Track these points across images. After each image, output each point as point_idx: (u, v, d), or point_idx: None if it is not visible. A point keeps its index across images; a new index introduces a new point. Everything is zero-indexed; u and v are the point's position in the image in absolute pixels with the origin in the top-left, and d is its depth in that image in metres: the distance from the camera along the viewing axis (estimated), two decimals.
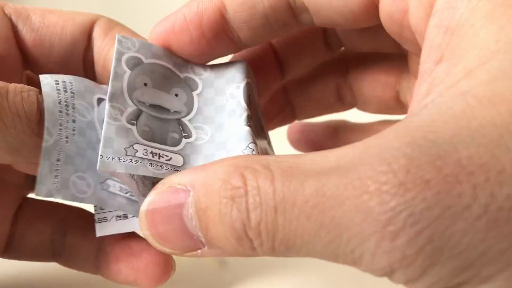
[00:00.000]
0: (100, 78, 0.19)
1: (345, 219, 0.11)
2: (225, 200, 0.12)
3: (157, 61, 0.18)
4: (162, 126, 0.17)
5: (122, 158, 0.15)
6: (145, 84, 0.17)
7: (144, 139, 0.16)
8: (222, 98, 0.18)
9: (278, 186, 0.12)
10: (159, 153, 0.16)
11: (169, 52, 0.18)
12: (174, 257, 0.26)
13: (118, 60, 0.17)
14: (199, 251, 0.13)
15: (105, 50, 0.18)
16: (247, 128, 0.17)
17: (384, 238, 0.11)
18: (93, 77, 0.19)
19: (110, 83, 0.16)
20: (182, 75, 0.18)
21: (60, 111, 0.16)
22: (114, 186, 0.16)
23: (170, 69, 0.18)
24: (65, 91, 0.16)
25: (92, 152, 0.16)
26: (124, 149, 0.15)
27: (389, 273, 0.11)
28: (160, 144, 0.16)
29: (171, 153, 0.16)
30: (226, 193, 0.12)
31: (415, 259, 0.11)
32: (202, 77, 0.18)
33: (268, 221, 0.12)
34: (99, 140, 0.16)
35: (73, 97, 0.17)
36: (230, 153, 0.17)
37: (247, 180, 0.12)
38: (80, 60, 0.19)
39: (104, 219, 0.17)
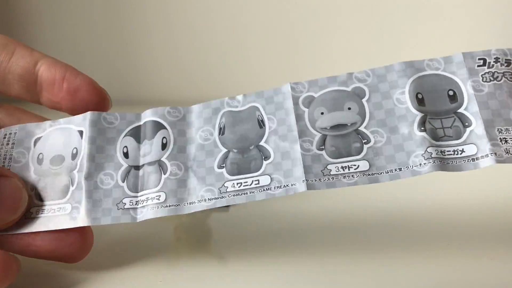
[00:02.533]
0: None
1: None
2: None
3: (324, 90, 0.21)
4: (345, 141, 0.20)
5: (321, 179, 0.20)
6: (322, 113, 0.21)
7: (333, 158, 0.20)
8: (389, 102, 0.20)
9: None
10: (348, 165, 0.20)
11: (332, 77, 0.21)
12: (172, 257, 0.26)
13: (296, 103, 0.21)
14: None
15: (4, 63, 0.22)
16: (421, 133, 0.19)
17: None
18: None
19: (296, 124, 0.21)
20: (349, 88, 0.21)
21: None
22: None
23: (337, 90, 0.21)
24: (7, 143, 0.22)
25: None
26: (321, 171, 0.20)
27: None
28: (347, 157, 0.20)
29: (358, 161, 0.20)
30: None
31: None
32: (367, 83, 0.21)
33: None
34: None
35: (12, 148, 0.22)
36: (409, 154, 0.19)
37: None
38: None
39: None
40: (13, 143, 0.22)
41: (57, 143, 0.22)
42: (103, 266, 0.23)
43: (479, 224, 0.29)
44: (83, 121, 0.22)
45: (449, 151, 0.19)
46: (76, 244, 0.21)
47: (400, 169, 0.19)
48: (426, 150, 0.19)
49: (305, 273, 0.22)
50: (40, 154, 0.22)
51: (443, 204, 0.34)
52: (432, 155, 0.19)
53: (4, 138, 0.22)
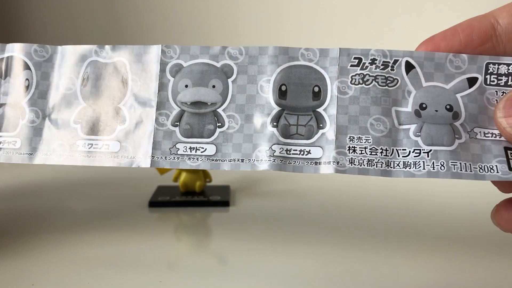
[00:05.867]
0: None
1: None
2: None
3: (194, 60, 0.20)
4: (200, 120, 0.20)
5: (167, 157, 0.19)
6: (186, 86, 0.20)
7: (184, 137, 0.20)
8: (253, 88, 0.20)
9: None
10: (196, 147, 0.19)
11: (205, 47, 0.20)
12: (172, 257, 0.26)
13: (163, 70, 0.20)
14: None
15: None
16: (272, 129, 0.19)
17: None
18: None
19: (157, 94, 0.20)
20: (219, 64, 0.20)
21: None
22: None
23: (207, 63, 0.20)
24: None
25: None
26: (169, 149, 0.19)
27: None
28: (198, 138, 0.20)
29: (206, 144, 0.19)
30: None
31: None
32: (237, 62, 0.20)
33: None
34: None
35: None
36: (255, 147, 0.19)
37: None
38: None
39: None
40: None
41: None
42: (103, 266, 0.23)
43: (480, 226, 0.29)
44: None
45: (296, 150, 0.19)
46: None
47: (242, 160, 0.19)
48: (270, 147, 0.19)
49: (305, 272, 0.22)
50: None
51: (445, 205, 0.34)
52: (275, 153, 0.18)
53: None
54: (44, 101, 0.21)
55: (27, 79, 0.21)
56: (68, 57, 0.21)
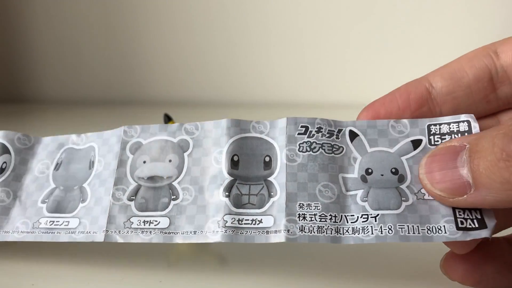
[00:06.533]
0: None
1: None
2: (501, 134, 0.15)
3: (154, 138, 0.21)
4: (156, 194, 0.20)
5: (121, 231, 0.19)
6: (144, 162, 0.21)
7: (139, 211, 0.20)
8: (207, 160, 0.20)
9: None
10: (150, 220, 0.19)
11: (163, 125, 0.21)
12: (172, 257, 0.27)
13: (123, 148, 0.21)
14: (465, 196, 0.16)
15: None
16: (225, 199, 0.19)
17: None
18: None
19: (116, 170, 0.21)
20: (176, 139, 0.21)
21: None
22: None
23: (165, 139, 0.21)
24: None
25: None
26: (123, 223, 0.20)
27: None
28: (152, 211, 0.20)
29: (160, 217, 0.19)
30: (500, 137, 0.15)
31: None
32: (193, 136, 0.21)
33: None
34: None
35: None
36: (208, 219, 0.19)
37: None
38: None
39: None
40: None
41: None
42: (103, 265, 0.23)
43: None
44: None
45: (248, 220, 0.18)
46: None
47: (194, 233, 0.19)
48: (222, 218, 0.18)
49: (305, 273, 0.22)
50: None
51: None
52: (227, 224, 0.18)
53: None
54: (17, 184, 0.22)
55: (4, 162, 0.23)
56: (47, 146, 0.23)
